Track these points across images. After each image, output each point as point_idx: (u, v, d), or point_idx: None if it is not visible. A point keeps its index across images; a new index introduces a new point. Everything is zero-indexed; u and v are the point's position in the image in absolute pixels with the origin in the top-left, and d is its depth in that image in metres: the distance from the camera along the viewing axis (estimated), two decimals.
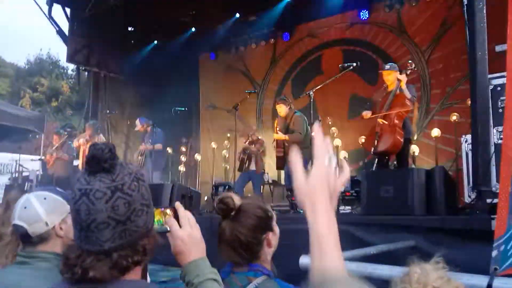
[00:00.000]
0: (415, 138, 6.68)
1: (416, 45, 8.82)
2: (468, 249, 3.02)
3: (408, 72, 5.57)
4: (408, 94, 5.48)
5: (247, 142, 7.76)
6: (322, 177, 0.91)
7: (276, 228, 1.70)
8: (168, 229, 1.34)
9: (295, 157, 0.95)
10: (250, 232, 1.60)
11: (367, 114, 5.79)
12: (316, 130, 0.97)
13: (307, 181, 0.91)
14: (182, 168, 9.32)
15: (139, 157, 8.34)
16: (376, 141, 5.46)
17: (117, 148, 1.12)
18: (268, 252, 1.66)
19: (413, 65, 5.65)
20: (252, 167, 7.78)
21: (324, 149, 0.94)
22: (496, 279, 1.82)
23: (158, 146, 8.26)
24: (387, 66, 5.83)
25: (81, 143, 8.34)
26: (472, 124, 4.01)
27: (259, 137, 7.97)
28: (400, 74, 5.60)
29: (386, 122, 5.47)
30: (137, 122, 8.40)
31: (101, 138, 8.39)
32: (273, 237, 1.67)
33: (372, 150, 5.51)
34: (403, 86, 5.51)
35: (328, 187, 0.90)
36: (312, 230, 0.88)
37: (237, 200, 1.63)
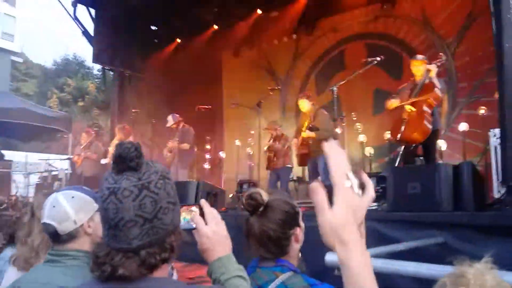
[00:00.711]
0: (443, 132, 6.55)
1: (441, 38, 8.66)
2: (497, 245, 2.96)
3: (439, 64, 5.42)
4: (438, 84, 5.32)
5: (271, 140, 7.75)
6: (347, 207, 0.82)
7: (302, 224, 1.72)
8: (194, 226, 1.35)
9: (321, 194, 0.85)
10: (279, 227, 1.62)
11: (392, 103, 5.58)
12: (329, 148, 0.88)
13: (332, 216, 0.82)
14: (207, 166, 9.38)
15: (168, 154, 8.38)
16: (403, 127, 5.30)
17: (142, 147, 1.14)
18: (296, 248, 1.67)
19: (444, 57, 5.51)
20: (280, 164, 7.79)
21: (342, 171, 0.85)
22: None
23: (185, 145, 8.20)
24: (420, 57, 5.68)
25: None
26: (500, 118, 3.92)
27: (283, 133, 7.95)
28: (430, 64, 5.43)
29: (415, 109, 5.31)
30: (170, 118, 8.36)
31: (131, 139, 8.44)
32: (300, 232, 1.69)
33: (398, 136, 5.34)
34: (433, 75, 5.33)
35: (355, 215, 0.82)
36: (345, 267, 0.81)
37: (265, 195, 1.64)
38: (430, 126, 5.27)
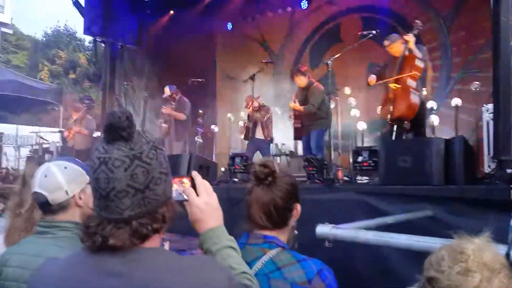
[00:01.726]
0: (435, 107, 6.54)
1: (437, 11, 8.58)
2: (487, 219, 2.99)
3: (416, 31, 5.38)
4: (418, 54, 5.31)
5: (250, 109, 7.68)
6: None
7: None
8: (186, 197, 1.35)
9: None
10: (285, 197, 1.65)
11: (372, 80, 5.60)
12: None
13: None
14: (199, 139, 9.35)
15: (163, 125, 8.34)
16: (391, 107, 5.31)
17: (135, 119, 1.12)
18: (292, 222, 1.70)
19: (420, 23, 5.45)
20: (259, 135, 7.72)
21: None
22: None
23: (181, 115, 8.20)
24: (387, 42, 5.68)
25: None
26: (493, 93, 3.93)
27: (264, 104, 7.87)
28: (407, 34, 5.39)
29: (399, 86, 5.31)
30: (166, 89, 8.30)
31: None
32: (299, 208, 1.72)
33: (389, 117, 5.36)
34: (412, 46, 5.31)
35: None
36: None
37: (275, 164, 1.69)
38: (417, 101, 5.27)
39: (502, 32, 3.80)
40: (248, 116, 7.70)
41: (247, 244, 1.63)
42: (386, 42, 5.68)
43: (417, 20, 5.61)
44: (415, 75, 5.28)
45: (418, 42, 5.53)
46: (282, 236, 1.66)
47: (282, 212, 1.65)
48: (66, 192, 1.65)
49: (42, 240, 1.61)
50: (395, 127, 5.31)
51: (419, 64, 5.28)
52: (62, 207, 1.65)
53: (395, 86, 5.33)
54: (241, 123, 8.59)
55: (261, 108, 7.77)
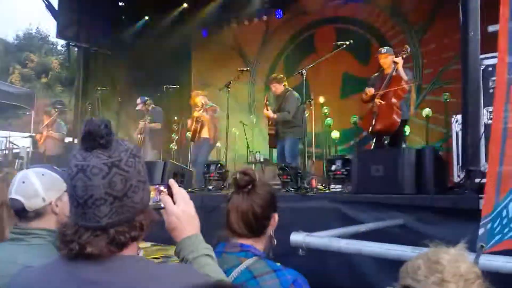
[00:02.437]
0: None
1: (409, 24, 8.79)
2: (456, 227, 3.07)
3: (404, 56, 5.68)
4: (404, 76, 5.58)
5: (200, 111, 7.62)
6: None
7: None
8: (163, 205, 1.36)
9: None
10: (265, 205, 1.67)
11: (370, 90, 5.79)
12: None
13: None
14: (173, 146, 9.31)
15: (139, 136, 8.32)
16: (373, 121, 5.54)
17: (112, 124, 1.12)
18: (269, 231, 1.73)
19: (408, 49, 5.76)
20: (205, 134, 7.58)
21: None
22: (482, 256, 1.87)
23: (157, 125, 8.26)
24: (384, 50, 5.91)
25: None
26: (462, 104, 4.03)
27: (212, 104, 7.82)
28: (396, 57, 5.70)
29: (384, 102, 5.54)
30: (138, 100, 8.34)
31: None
32: (276, 217, 1.75)
33: (370, 129, 5.60)
34: (400, 68, 5.60)
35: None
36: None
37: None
38: (398, 119, 5.51)
39: (471, 45, 3.91)
40: (196, 118, 7.58)
41: (224, 252, 1.64)
42: (383, 50, 5.91)
43: (406, 45, 5.91)
44: (400, 94, 5.56)
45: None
46: (258, 244, 1.68)
47: (260, 221, 1.67)
48: (43, 199, 1.64)
49: (15, 247, 1.59)
50: (374, 140, 5.59)
51: (405, 86, 5.55)
52: (38, 214, 1.65)
53: (380, 102, 5.58)
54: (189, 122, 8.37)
55: (209, 108, 7.64)
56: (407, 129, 6.50)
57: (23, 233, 1.63)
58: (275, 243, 1.75)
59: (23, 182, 1.64)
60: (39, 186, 1.64)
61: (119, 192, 1.07)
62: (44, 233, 1.63)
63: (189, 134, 8.31)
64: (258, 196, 1.66)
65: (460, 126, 5.58)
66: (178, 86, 8.72)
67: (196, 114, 7.56)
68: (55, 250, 1.51)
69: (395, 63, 5.64)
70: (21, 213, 1.64)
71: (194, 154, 7.87)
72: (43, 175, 1.67)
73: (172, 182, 1.40)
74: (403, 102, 5.74)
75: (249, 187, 1.67)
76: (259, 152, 8.80)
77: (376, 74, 6.10)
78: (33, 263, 1.26)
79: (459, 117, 5.77)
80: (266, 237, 1.71)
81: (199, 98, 7.69)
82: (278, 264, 1.64)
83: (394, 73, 5.65)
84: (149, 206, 1.19)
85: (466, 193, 3.53)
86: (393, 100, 5.53)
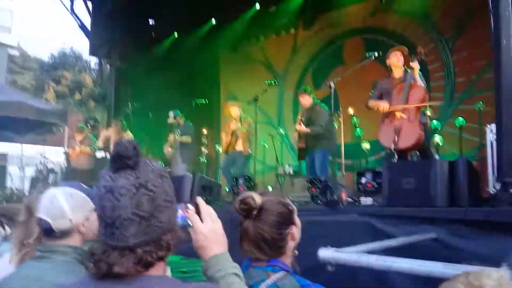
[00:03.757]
0: (439, 127, 6.57)
1: (440, 32, 8.66)
2: (491, 241, 2.98)
3: (419, 59, 5.31)
4: (421, 83, 5.27)
5: (238, 123, 7.69)
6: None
7: (298, 221, 1.72)
8: (191, 224, 1.36)
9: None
10: (274, 229, 1.62)
11: (384, 106, 5.36)
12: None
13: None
14: (203, 159, 9.39)
15: (169, 149, 8.44)
16: (396, 138, 5.12)
17: (139, 140, 1.15)
18: (291, 246, 1.68)
19: (423, 52, 5.40)
20: (239, 147, 7.71)
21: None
22: None
23: (187, 138, 8.37)
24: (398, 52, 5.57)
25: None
26: (496, 113, 3.93)
27: (247, 118, 7.89)
28: (412, 61, 5.29)
29: (405, 117, 5.18)
30: (170, 114, 8.49)
31: (128, 135, 8.49)
32: (296, 230, 1.70)
33: (393, 147, 5.15)
34: (417, 75, 5.25)
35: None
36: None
37: (258, 198, 1.64)
38: (422, 131, 5.17)
39: (503, 53, 3.82)
40: (233, 131, 7.69)
41: (250, 266, 1.63)
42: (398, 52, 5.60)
43: (420, 46, 5.52)
44: (423, 106, 5.22)
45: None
46: (287, 259, 1.66)
47: (273, 243, 1.62)
48: (70, 221, 1.67)
49: (40, 265, 1.62)
50: (397, 156, 5.17)
51: (426, 96, 5.21)
52: (64, 233, 1.67)
53: (401, 116, 5.22)
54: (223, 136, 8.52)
55: (245, 122, 7.77)
56: (439, 139, 6.36)
57: (48, 251, 1.65)
58: (297, 254, 1.70)
59: (52, 203, 1.66)
60: (67, 208, 1.67)
61: (146, 212, 1.08)
62: (68, 250, 1.65)
63: (218, 147, 8.40)
64: (264, 222, 1.62)
65: (494, 136, 5.42)
66: (207, 100, 8.82)
67: (233, 126, 7.64)
68: (79, 267, 1.55)
69: (412, 68, 5.24)
70: (47, 232, 1.66)
71: (225, 166, 7.89)
72: (71, 196, 1.70)
73: (199, 200, 1.41)
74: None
75: (254, 212, 1.63)
76: (289, 164, 8.78)
77: (383, 81, 5.74)
78: (59, 280, 1.29)
79: (493, 126, 5.60)
80: (289, 253, 1.68)
81: (234, 110, 7.77)
82: (307, 280, 1.62)
83: (412, 82, 5.25)
84: (176, 226, 1.20)
85: (501, 205, 3.42)
86: (416, 115, 5.16)
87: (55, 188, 1.72)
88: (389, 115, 5.38)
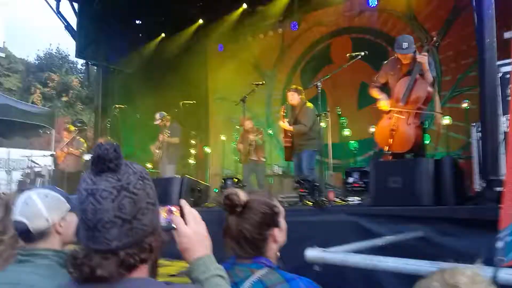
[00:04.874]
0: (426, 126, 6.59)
1: (426, 31, 8.72)
2: (476, 238, 3.01)
3: (431, 47, 5.04)
4: (430, 77, 4.91)
5: (255, 135, 7.79)
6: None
7: (283, 224, 1.71)
8: (174, 226, 1.36)
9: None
10: (255, 228, 1.62)
11: (384, 106, 5.14)
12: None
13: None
14: (192, 161, 9.37)
15: (157, 151, 8.42)
16: (391, 140, 4.96)
17: (127, 142, 1.14)
18: (273, 248, 1.67)
19: (435, 37, 5.13)
20: (253, 157, 7.87)
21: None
22: (501, 270, 1.82)
23: (176, 139, 8.39)
24: (405, 45, 5.00)
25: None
26: (480, 112, 3.97)
27: (255, 127, 8.06)
28: (422, 54, 4.91)
29: (403, 117, 4.96)
30: (157, 116, 8.46)
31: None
32: (280, 233, 1.68)
33: (387, 148, 4.99)
34: (426, 67, 4.87)
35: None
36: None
37: (243, 196, 1.64)
38: (420, 132, 5.02)
39: (487, 52, 3.87)
40: (250, 141, 7.83)
41: (235, 264, 1.63)
42: (404, 46, 5.01)
43: (434, 32, 5.25)
44: (422, 107, 4.96)
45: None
46: (271, 259, 1.66)
47: (253, 243, 1.62)
48: (47, 220, 1.67)
49: (22, 269, 1.61)
50: (391, 157, 5.02)
51: (430, 90, 4.93)
52: (42, 234, 1.66)
53: (398, 116, 5.00)
54: (234, 144, 8.71)
55: (256, 130, 7.90)
56: (426, 138, 6.39)
57: (29, 254, 1.64)
58: (279, 255, 1.70)
59: (27, 204, 1.65)
60: (43, 207, 1.66)
61: (128, 215, 1.08)
62: (49, 253, 1.65)
63: (236, 157, 8.52)
64: (247, 220, 1.62)
65: (480, 134, 5.46)
66: (195, 101, 8.80)
67: (251, 137, 7.81)
68: (61, 270, 1.54)
69: (419, 63, 4.89)
70: (25, 234, 1.65)
71: (246, 175, 8.01)
72: (46, 196, 1.70)
73: (183, 202, 1.41)
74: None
75: (238, 209, 1.62)
76: (277, 164, 8.80)
77: (391, 61, 5.33)
78: (40, 283, 1.27)
79: (479, 124, 5.65)
80: (271, 254, 1.67)
81: (248, 124, 7.97)
82: (292, 274, 1.61)
83: (417, 76, 4.93)
84: (159, 228, 1.20)
85: (486, 203, 3.46)
86: (415, 119, 4.92)
87: (30, 190, 1.71)
88: (389, 116, 5.14)
